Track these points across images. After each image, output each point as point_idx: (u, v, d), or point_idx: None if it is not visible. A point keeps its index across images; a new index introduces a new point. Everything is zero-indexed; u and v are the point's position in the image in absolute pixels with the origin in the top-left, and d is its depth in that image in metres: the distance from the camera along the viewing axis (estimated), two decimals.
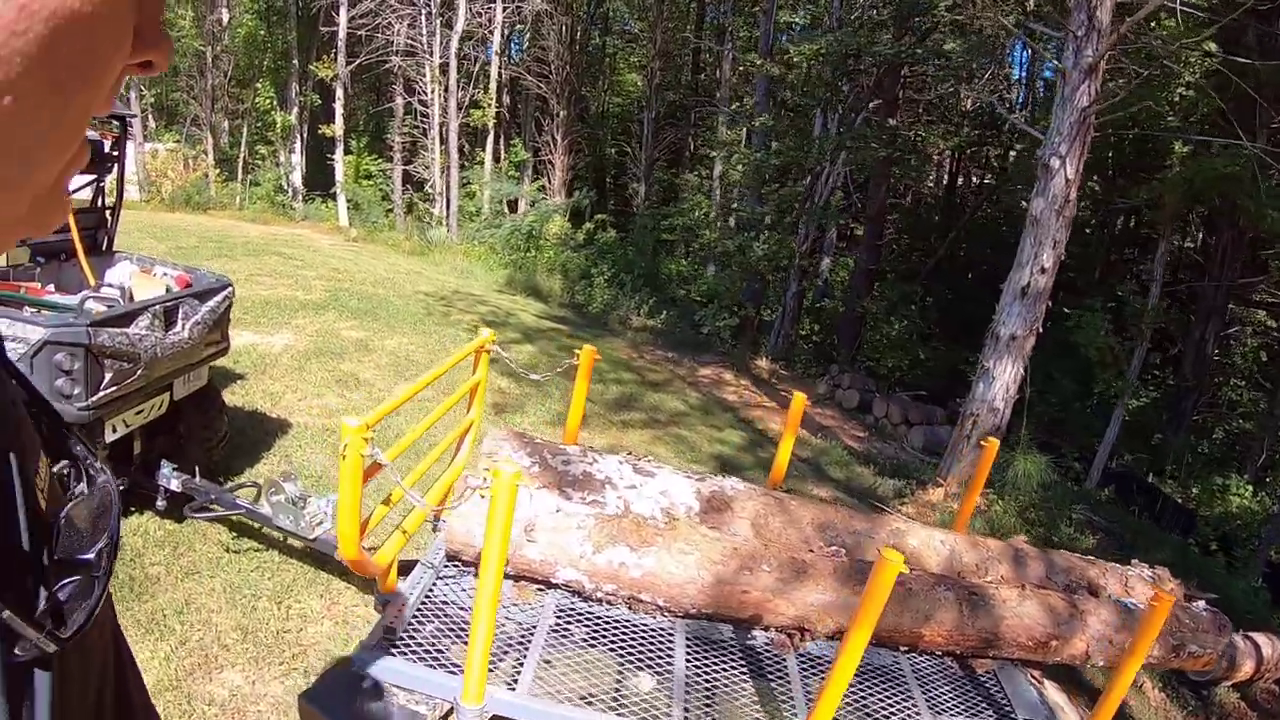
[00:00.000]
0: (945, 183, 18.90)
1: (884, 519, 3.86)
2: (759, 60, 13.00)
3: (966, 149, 17.53)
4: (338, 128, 20.52)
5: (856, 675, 2.54)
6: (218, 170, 20.35)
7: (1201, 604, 4.02)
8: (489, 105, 20.13)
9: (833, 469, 7.99)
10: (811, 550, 3.46)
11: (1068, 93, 6.60)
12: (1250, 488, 9.94)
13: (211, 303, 4.71)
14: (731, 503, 3.57)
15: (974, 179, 19.39)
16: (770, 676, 3.09)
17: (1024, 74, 19.37)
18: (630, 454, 3.75)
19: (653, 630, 3.14)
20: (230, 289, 5.01)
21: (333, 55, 20.33)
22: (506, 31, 20.72)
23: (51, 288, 4.63)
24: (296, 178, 21.47)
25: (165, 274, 5.41)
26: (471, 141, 21.38)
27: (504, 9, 19.91)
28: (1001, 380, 7.10)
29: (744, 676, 3.05)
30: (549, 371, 4.26)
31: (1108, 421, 9.97)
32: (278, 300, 10.24)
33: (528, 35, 22.63)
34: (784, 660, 3.17)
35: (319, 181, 22.24)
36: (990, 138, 16.45)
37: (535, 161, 22.75)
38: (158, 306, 4.17)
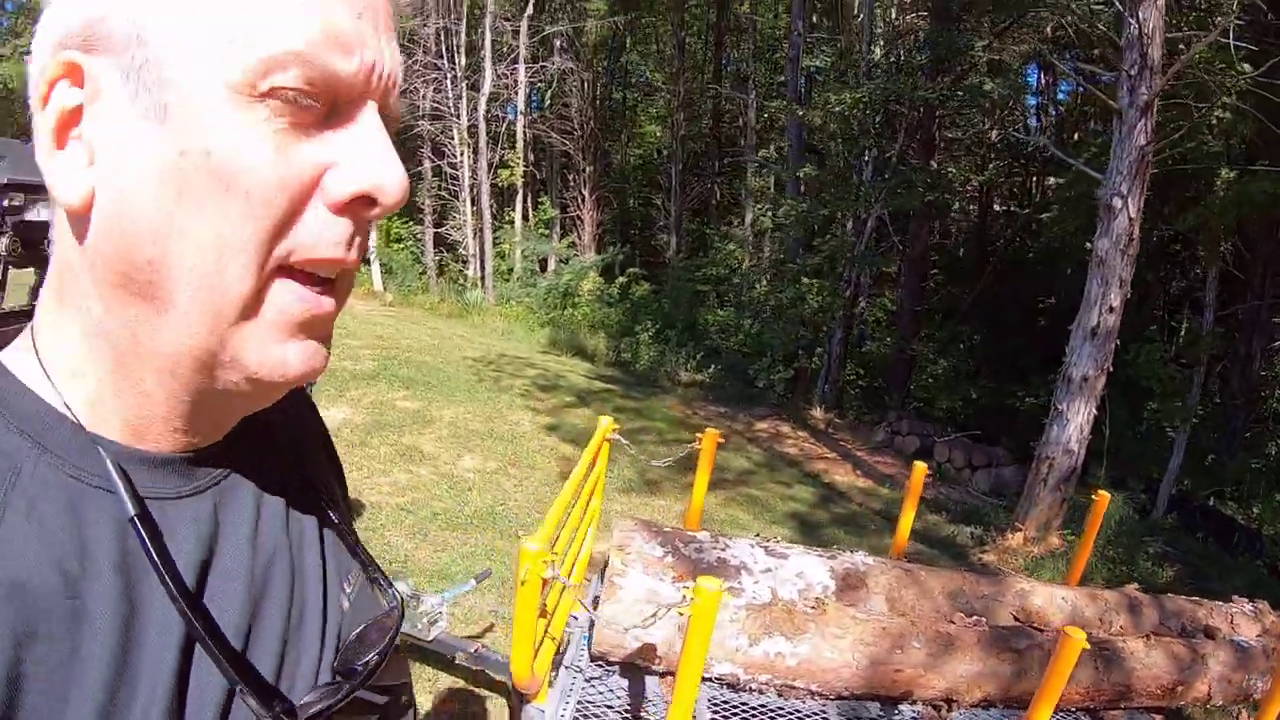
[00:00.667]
0: (977, 216, 18.74)
1: (1007, 581, 3.83)
2: (799, 110, 13.12)
3: (998, 181, 17.62)
4: None
5: None
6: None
7: None
8: (516, 164, 20.38)
9: None
10: (953, 621, 3.47)
11: (1125, 132, 6.64)
12: None
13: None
14: (865, 578, 3.55)
15: (998, 207, 19.29)
16: None
17: (1038, 99, 19.40)
18: (758, 536, 3.75)
19: (807, 715, 3.12)
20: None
21: None
22: (528, 90, 21.00)
23: None
24: None
25: None
26: (500, 201, 21.54)
27: (527, 69, 20.24)
28: (1075, 422, 7.06)
29: None
30: (671, 458, 4.18)
31: (1161, 447, 9.85)
32: (329, 371, 10.16)
33: (548, 94, 22.92)
34: None
35: None
36: (1019, 168, 16.44)
37: (563, 218, 22.86)
38: None
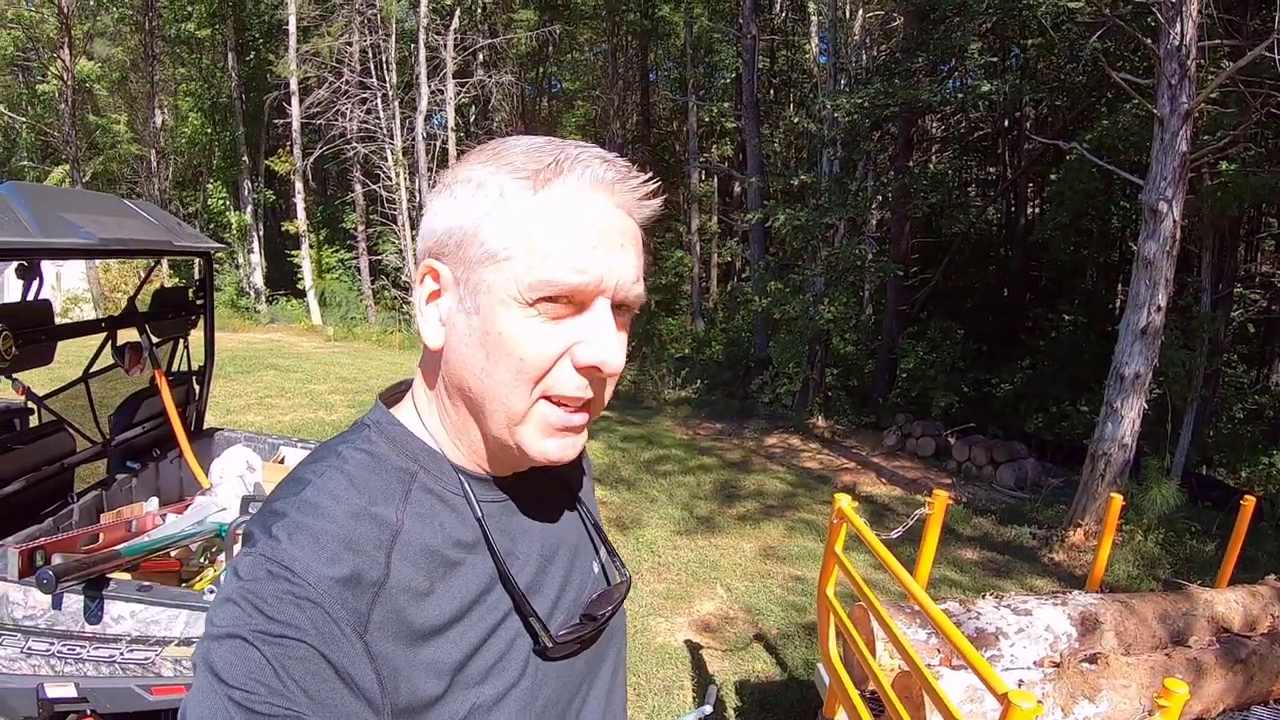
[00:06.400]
0: (994, 214, 18.71)
1: (1193, 594, 3.95)
2: (795, 118, 13.01)
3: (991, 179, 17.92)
4: (301, 223, 19.84)
5: None
6: (174, 277, 19.45)
7: None
8: None
9: (959, 526, 7.95)
10: (1190, 645, 3.57)
11: (1167, 139, 6.77)
12: None
13: None
14: (1098, 618, 3.58)
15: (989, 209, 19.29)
16: None
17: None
18: (994, 594, 3.70)
19: None
20: None
21: (288, 148, 19.73)
22: (455, 105, 20.24)
23: (157, 513, 3.86)
24: (258, 278, 20.73)
25: None
26: None
27: (457, 84, 19.61)
28: (1129, 417, 7.20)
29: None
30: (902, 527, 3.91)
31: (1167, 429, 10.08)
32: (307, 427, 9.77)
33: (473, 109, 22.32)
34: None
35: (276, 280, 21.52)
36: (1038, 168, 16.48)
37: None
38: None
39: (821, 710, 3.46)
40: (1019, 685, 3.00)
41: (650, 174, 0.81)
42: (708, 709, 3.64)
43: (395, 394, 0.94)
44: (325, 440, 0.89)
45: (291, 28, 18.94)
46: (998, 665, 3.24)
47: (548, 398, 0.79)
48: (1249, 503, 4.47)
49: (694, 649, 5.06)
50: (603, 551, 1.05)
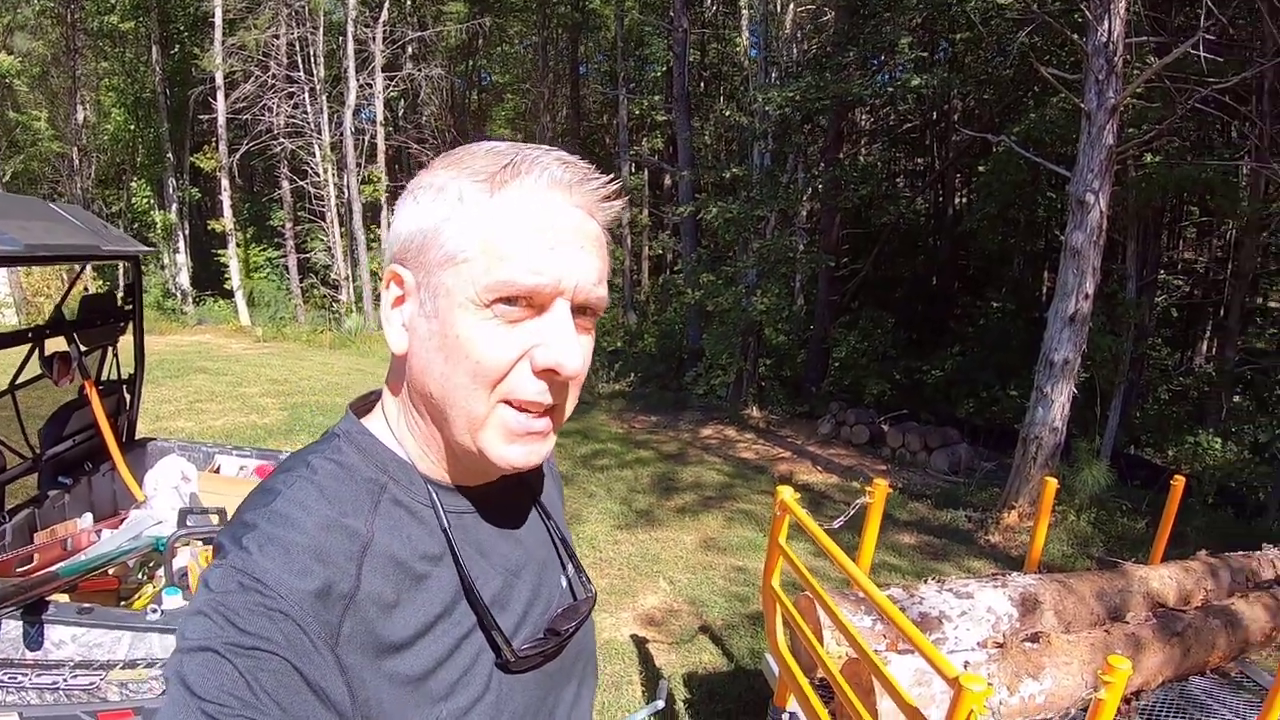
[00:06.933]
0: (923, 205, 18.84)
1: (1128, 571, 4.03)
2: (726, 111, 13.05)
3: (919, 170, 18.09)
4: (227, 221, 19.23)
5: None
6: (99, 280, 18.79)
7: None
8: (380, 179, 19.38)
9: (896, 511, 8.06)
10: (1127, 621, 3.67)
11: (1094, 133, 6.94)
12: (1219, 440, 10.59)
13: None
14: (1037, 598, 3.65)
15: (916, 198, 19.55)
16: None
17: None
18: (935, 578, 3.74)
19: None
20: None
21: (214, 144, 19.17)
22: (384, 99, 19.90)
23: (92, 529, 3.77)
24: (184, 278, 20.12)
25: (242, 469, 4.71)
26: (366, 219, 20.36)
27: (386, 78, 19.27)
28: (1058, 402, 7.40)
29: None
30: (844, 516, 3.89)
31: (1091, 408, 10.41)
32: (239, 431, 9.53)
33: (403, 103, 21.98)
34: None
35: (203, 280, 20.95)
36: (966, 160, 16.63)
37: None
38: None
39: (773, 700, 3.45)
40: (965, 667, 3.05)
41: (612, 175, 0.80)
42: (659, 704, 3.60)
43: (365, 404, 0.94)
44: (295, 450, 0.90)
45: (218, 20, 18.36)
46: (943, 648, 3.28)
47: (508, 402, 0.79)
48: (1179, 483, 4.58)
49: (640, 643, 5.04)
50: (570, 566, 1.05)
